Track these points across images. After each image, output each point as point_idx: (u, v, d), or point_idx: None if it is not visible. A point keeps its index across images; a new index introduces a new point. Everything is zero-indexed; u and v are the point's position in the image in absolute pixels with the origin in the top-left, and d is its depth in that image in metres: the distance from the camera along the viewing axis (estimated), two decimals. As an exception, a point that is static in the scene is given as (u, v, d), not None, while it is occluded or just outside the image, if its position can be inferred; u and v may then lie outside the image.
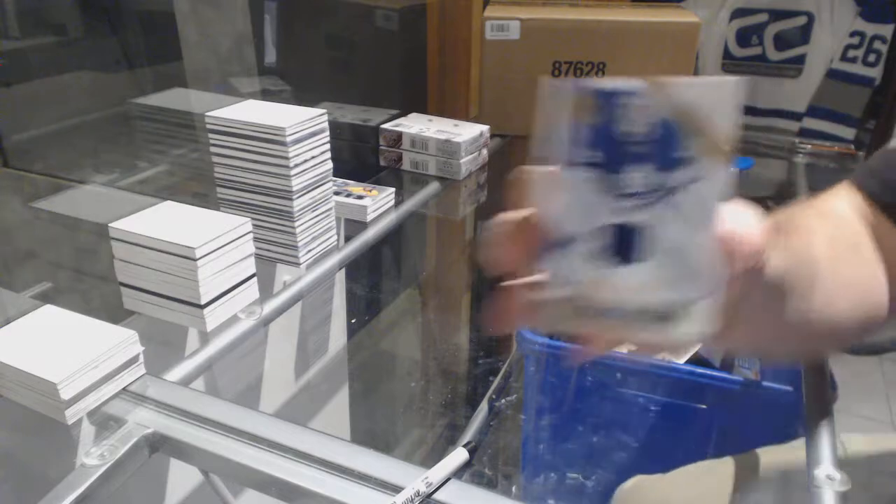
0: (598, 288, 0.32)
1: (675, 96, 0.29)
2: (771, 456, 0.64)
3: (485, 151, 1.16)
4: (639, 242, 0.31)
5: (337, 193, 0.91)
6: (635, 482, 0.66)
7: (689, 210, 0.30)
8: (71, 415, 0.54)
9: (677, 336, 0.32)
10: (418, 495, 0.45)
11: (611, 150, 0.30)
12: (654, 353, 0.69)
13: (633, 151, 0.30)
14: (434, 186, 1.09)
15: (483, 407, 1.03)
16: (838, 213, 0.50)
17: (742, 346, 0.45)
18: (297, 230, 0.78)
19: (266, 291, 0.75)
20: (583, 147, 0.30)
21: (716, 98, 0.29)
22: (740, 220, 0.31)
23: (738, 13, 1.69)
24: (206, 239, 0.65)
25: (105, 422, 0.56)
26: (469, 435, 0.98)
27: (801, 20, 1.66)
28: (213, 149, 0.78)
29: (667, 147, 0.29)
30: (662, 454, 0.94)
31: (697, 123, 0.29)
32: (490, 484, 1.14)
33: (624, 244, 0.31)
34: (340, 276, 1.03)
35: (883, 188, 0.49)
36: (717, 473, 0.64)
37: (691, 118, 0.29)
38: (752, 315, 0.37)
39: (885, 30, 1.61)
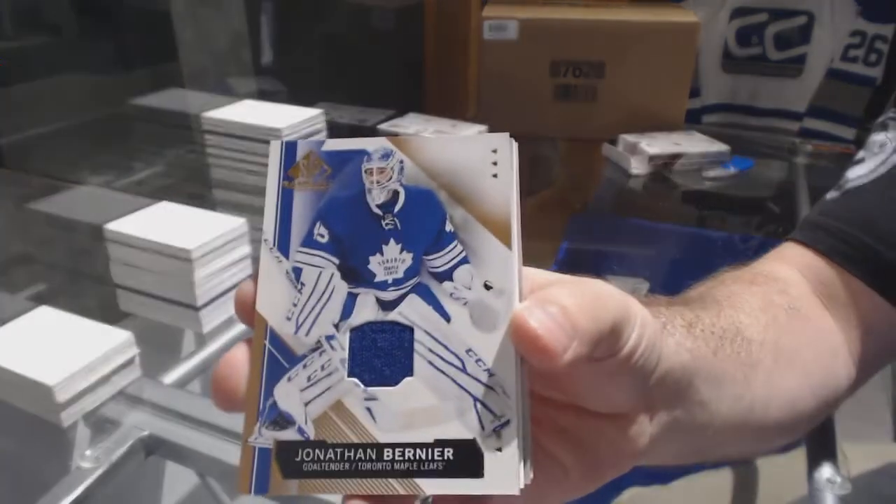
0: (347, 423, 0.22)
1: (427, 157, 0.24)
2: (770, 465, 0.63)
3: (483, 152, 1.15)
4: (396, 351, 0.23)
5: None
6: (632, 495, 0.65)
7: (458, 299, 0.23)
8: (66, 417, 0.54)
9: (483, 489, 0.21)
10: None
11: (346, 226, 0.24)
12: None
13: (376, 228, 0.24)
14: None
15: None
16: (774, 276, 0.41)
17: (674, 460, 0.36)
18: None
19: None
20: (310, 223, 0.24)
21: (481, 158, 0.24)
22: (563, 301, 0.22)
23: (737, 13, 1.69)
24: (202, 240, 0.64)
25: (101, 424, 0.56)
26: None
27: (802, 20, 1.66)
28: (209, 150, 0.78)
29: (419, 221, 0.24)
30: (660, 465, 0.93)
31: (458, 190, 0.24)
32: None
33: (375, 355, 0.23)
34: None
35: (843, 242, 0.42)
36: (715, 484, 0.63)
37: (450, 184, 0.24)
38: (672, 425, 0.29)
39: (886, 29, 1.61)
